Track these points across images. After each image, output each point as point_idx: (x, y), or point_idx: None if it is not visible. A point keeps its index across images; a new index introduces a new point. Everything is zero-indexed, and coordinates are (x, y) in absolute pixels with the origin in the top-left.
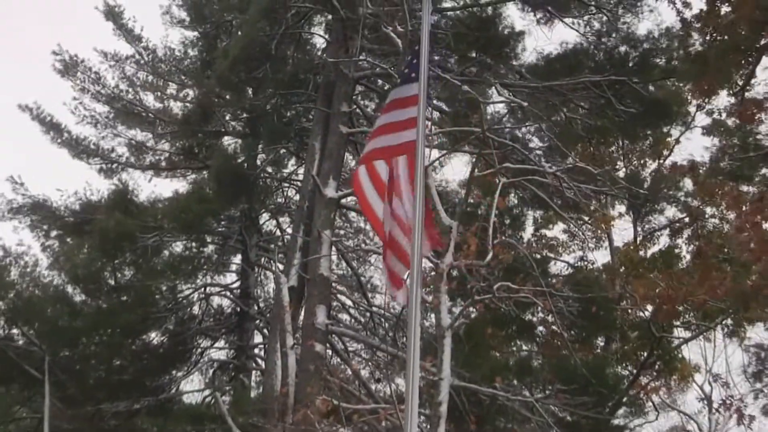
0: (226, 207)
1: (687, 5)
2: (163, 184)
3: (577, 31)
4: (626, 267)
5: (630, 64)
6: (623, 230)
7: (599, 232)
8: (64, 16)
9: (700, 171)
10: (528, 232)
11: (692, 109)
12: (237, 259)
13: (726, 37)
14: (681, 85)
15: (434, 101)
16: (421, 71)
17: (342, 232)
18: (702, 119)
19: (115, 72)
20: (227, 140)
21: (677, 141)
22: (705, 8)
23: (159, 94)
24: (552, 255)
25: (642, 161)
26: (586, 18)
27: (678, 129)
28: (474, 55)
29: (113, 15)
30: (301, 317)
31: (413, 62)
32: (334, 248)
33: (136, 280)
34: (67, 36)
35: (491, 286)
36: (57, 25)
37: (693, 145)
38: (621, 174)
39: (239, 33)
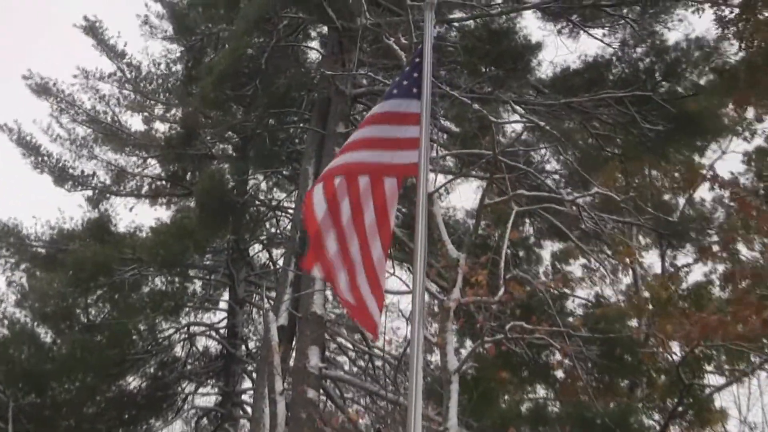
0: (212, 238)
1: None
2: (145, 211)
3: (601, 41)
4: (653, 305)
5: (657, 77)
6: (650, 264)
7: (622, 266)
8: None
9: (743, 190)
10: (544, 266)
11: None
12: (224, 295)
13: (763, 44)
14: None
15: (440, 121)
16: (424, 86)
17: None
18: (738, 144)
19: (94, 92)
20: (214, 164)
21: (711, 168)
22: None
23: (145, 114)
24: (569, 292)
25: (672, 188)
26: (611, 28)
27: (713, 152)
28: (485, 69)
29: (93, 30)
30: (292, 360)
31: (414, 76)
32: (329, 283)
33: (112, 318)
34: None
35: (503, 326)
36: (57, 26)
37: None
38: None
39: (226, 46)
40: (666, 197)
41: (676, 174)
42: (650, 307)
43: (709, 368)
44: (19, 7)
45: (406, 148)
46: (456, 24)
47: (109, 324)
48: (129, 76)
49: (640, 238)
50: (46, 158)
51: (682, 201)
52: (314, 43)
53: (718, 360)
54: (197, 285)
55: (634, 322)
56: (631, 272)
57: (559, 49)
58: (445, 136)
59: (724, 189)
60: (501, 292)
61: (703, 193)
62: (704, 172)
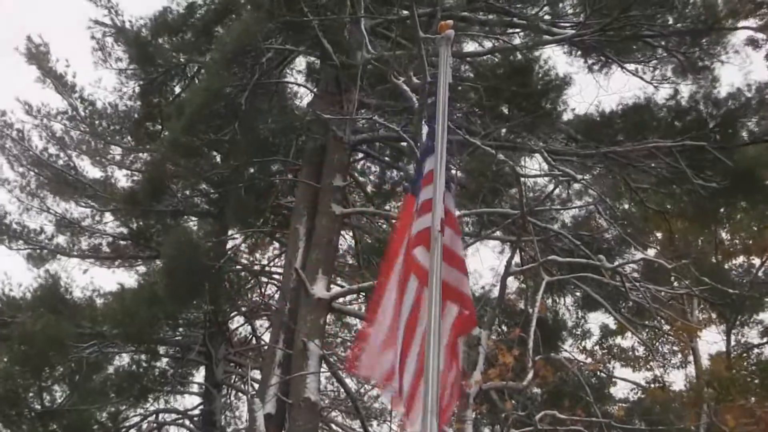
0: (185, 308)
1: None
2: (103, 275)
3: (642, 78)
4: (714, 388)
5: (710, 125)
6: (713, 343)
7: (681, 344)
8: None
9: None
10: (591, 343)
11: None
12: (199, 376)
13: None
14: None
15: (457, 174)
16: (437, 133)
17: (335, 341)
18: None
19: (43, 131)
20: (185, 221)
21: None
22: None
23: (99, 159)
24: (614, 375)
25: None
26: (652, 64)
27: None
28: (507, 112)
29: (37, 58)
30: None
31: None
32: (324, 363)
33: (69, 404)
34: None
35: (532, 415)
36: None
37: None
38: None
39: (196, 81)
40: (737, 263)
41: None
42: (709, 391)
43: None
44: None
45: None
46: (469, 59)
47: (65, 411)
48: (82, 114)
49: (698, 310)
50: None
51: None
52: (305, 80)
53: None
54: (167, 364)
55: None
56: (691, 352)
57: (588, 89)
58: (458, 189)
59: None
60: (530, 375)
61: None
62: None
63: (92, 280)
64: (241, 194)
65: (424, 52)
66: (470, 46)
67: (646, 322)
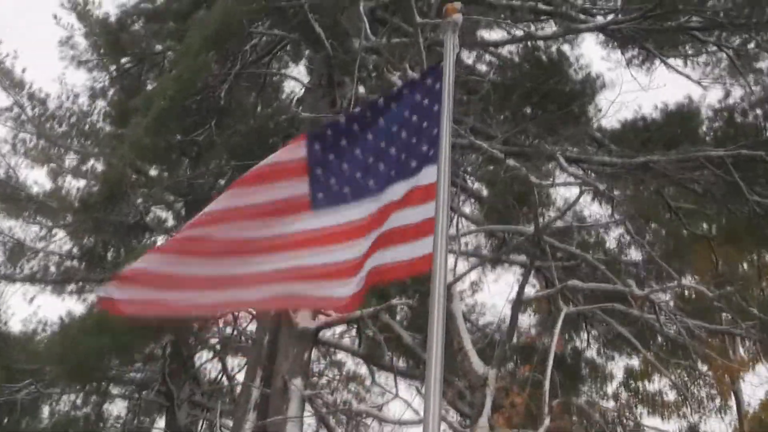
0: (143, 341)
1: None
2: (49, 303)
3: (688, 77)
4: None
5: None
6: (757, 386)
7: (722, 388)
8: None
9: None
10: (614, 386)
11: None
12: (159, 422)
13: None
14: None
15: (463, 180)
16: (442, 134)
17: (321, 381)
18: None
19: None
20: (148, 238)
21: None
22: None
23: (52, 166)
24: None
25: None
26: (701, 60)
27: None
28: (531, 111)
29: None
30: None
31: (432, 133)
32: (308, 406)
33: None
34: None
35: None
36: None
37: None
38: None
39: (173, 72)
40: None
41: None
42: None
43: None
44: None
45: (421, 237)
46: (488, 50)
47: None
48: (30, 113)
49: (743, 347)
50: None
51: None
52: (296, 71)
53: None
54: (121, 407)
55: None
56: (733, 396)
57: (626, 87)
58: (471, 204)
59: None
60: (546, 422)
61: None
62: None
63: (37, 308)
64: None
65: (421, 40)
66: (493, 35)
67: (680, 361)
